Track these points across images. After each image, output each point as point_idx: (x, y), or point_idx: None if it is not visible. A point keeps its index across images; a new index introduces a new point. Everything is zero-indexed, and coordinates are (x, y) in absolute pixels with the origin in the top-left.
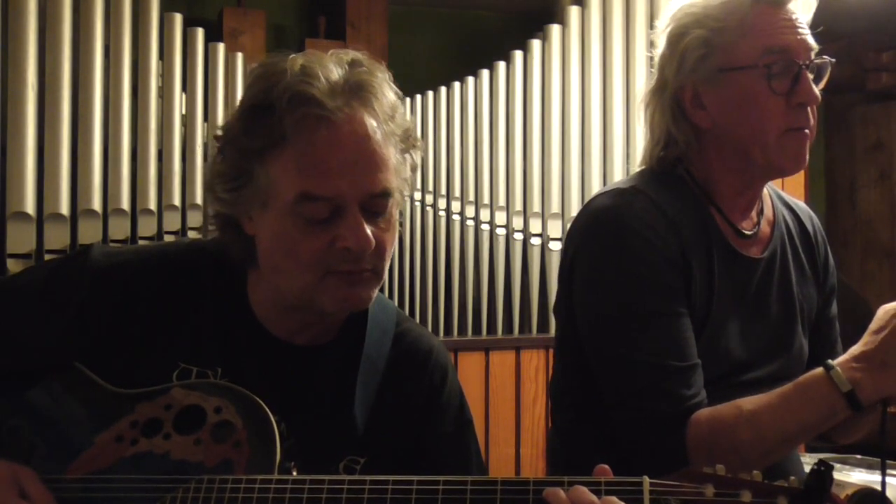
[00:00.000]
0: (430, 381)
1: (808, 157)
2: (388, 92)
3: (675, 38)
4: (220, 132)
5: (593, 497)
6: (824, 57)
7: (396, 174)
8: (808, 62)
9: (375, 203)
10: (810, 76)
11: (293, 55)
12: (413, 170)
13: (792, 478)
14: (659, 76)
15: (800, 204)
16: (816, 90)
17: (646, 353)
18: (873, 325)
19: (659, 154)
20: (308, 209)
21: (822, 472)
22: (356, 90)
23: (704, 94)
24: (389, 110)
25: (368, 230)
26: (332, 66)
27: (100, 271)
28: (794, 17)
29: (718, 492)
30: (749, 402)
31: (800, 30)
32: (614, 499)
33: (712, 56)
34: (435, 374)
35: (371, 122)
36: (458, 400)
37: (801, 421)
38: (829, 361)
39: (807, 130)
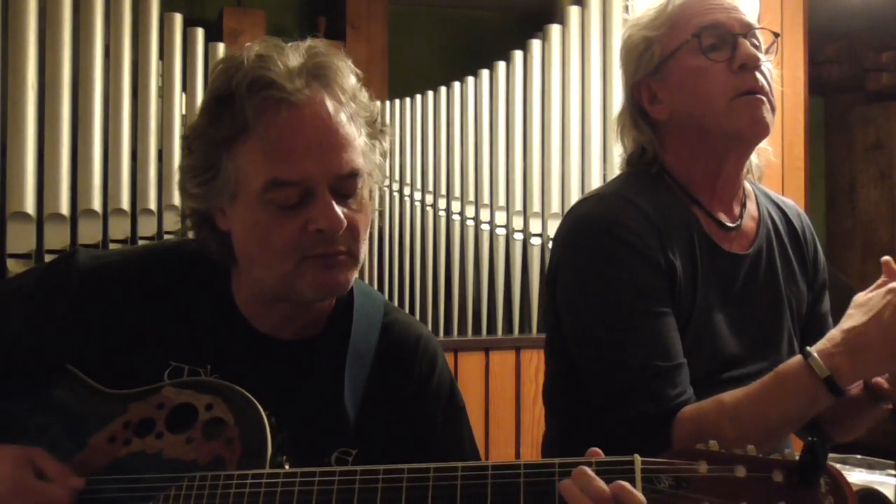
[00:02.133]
0: (419, 370)
1: (770, 122)
2: (348, 74)
3: (623, 51)
4: (186, 131)
5: (602, 485)
6: (764, 27)
7: (364, 155)
8: (744, 31)
9: (344, 185)
10: (753, 42)
11: (249, 44)
12: (383, 156)
13: (787, 451)
14: (623, 97)
15: (787, 201)
16: (757, 53)
17: (630, 355)
18: (853, 310)
19: (631, 159)
20: (277, 195)
21: (817, 445)
22: (315, 72)
23: (656, 88)
24: (351, 91)
25: (339, 211)
26: (289, 52)
27: (86, 274)
28: (725, 2)
29: (712, 467)
30: (731, 395)
31: (731, 9)
32: (626, 485)
33: (651, 49)
34: (423, 364)
35: (333, 103)
36: (448, 387)
37: (783, 411)
38: (808, 348)
39: (758, 94)
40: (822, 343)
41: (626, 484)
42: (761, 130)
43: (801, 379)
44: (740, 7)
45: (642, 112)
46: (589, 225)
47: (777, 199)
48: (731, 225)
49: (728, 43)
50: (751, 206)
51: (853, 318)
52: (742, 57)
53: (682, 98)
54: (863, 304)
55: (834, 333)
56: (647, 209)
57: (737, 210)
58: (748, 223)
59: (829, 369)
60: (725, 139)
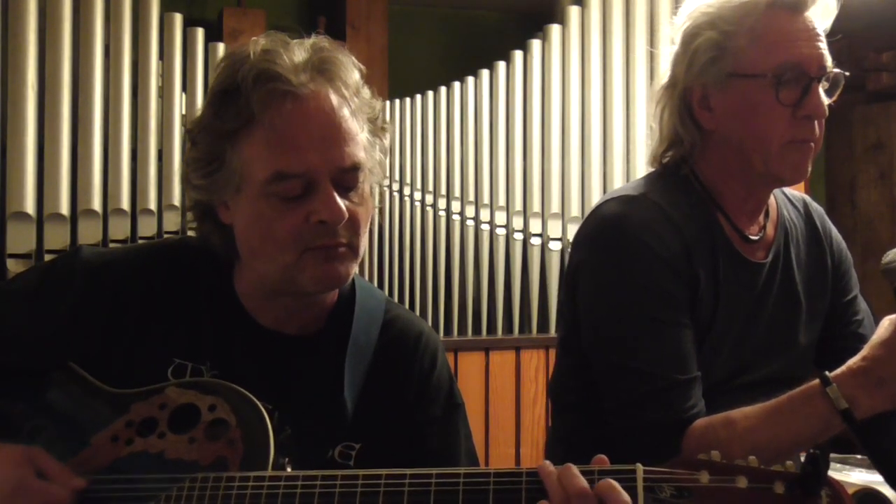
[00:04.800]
0: (420, 366)
1: (809, 169)
2: (352, 70)
3: (689, 38)
4: (190, 125)
5: (583, 483)
6: (837, 70)
7: (366, 151)
8: (819, 75)
9: (346, 178)
10: (822, 87)
11: (255, 38)
12: (384, 153)
13: (788, 462)
14: (671, 73)
15: (796, 194)
16: (825, 104)
17: (647, 363)
18: (875, 338)
19: (665, 154)
20: (281, 187)
21: (818, 457)
22: (320, 66)
23: (712, 97)
24: (354, 86)
25: (341, 202)
26: (294, 47)
27: (90, 271)
28: (810, 25)
29: (713, 478)
30: (742, 415)
31: (815, 42)
32: (611, 481)
33: (722, 60)
34: (424, 360)
35: (337, 97)
36: (448, 384)
37: (795, 435)
38: (827, 375)
39: (811, 143)
40: (842, 372)
41: (615, 483)
42: (801, 178)
43: (817, 406)
44: (823, 41)
45: (689, 110)
46: (616, 226)
47: (790, 196)
48: (754, 238)
49: (801, 84)
50: (771, 213)
51: (874, 348)
52: (810, 108)
53: (737, 124)
54: (885, 330)
55: (854, 363)
56: (674, 216)
57: (761, 221)
58: (769, 230)
59: (847, 401)
60: (765, 176)
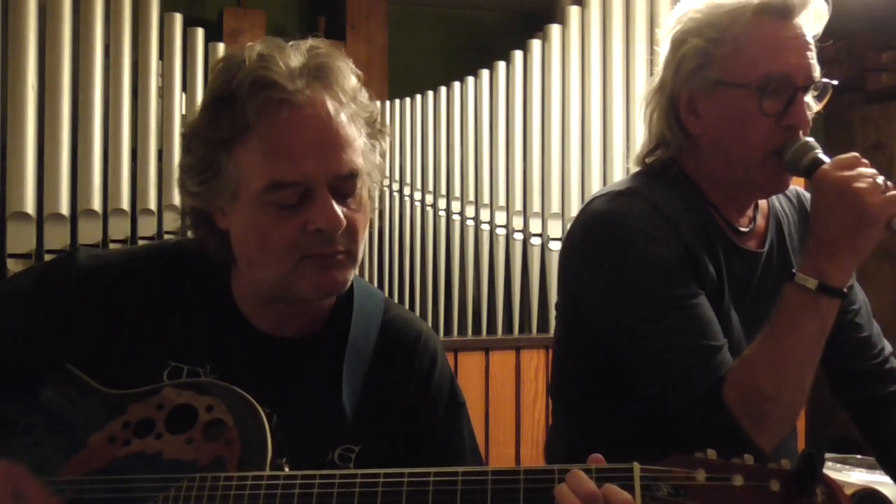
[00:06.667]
0: (419, 367)
1: (791, 181)
2: (349, 75)
3: (677, 43)
4: (186, 130)
5: (592, 486)
6: (825, 80)
7: (364, 155)
8: (805, 85)
9: (344, 184)
10: (812, 94)
11: (251, 44)
12: (382, 156)
13: (784, 461)
14: (660, 77)
15: (790, 187)
16: (808, 115)
17: (683, 337)
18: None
19: (652, 154)
20: (277, 196)
21: (814, 455)
22: (316, 72)
23: (699, 102)
24: (351, 92)
25: (339, 210)
26: (290, 52)
27: (86, 274)
28: (799, 32)
29: (710, 476)
30: (749, 350)
31: (803, 50)
32: (615, 487)
33: (709, 67)
34: (424, 360)
35: (333, 103)
36: (449, 384)
37: (800, 336)
38: (793, 270)
39: None
40: (802, 259)
41: (615, 487)
42: (781, 191)
43: (798, 299)
44: (812, 49)
45: (677, 114)
46: (607, 221)
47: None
48: (744, 230)
49: (786, 94)
50: (762, 204)
51: (811, 219)
52: (793, 118)
53: (722, 131)
54: (821, 204)
55: (808, 244)
56: (664, 208)
57: (751, 213)
58: (759, 221)
59: (816, 277)
60: (746, 184)
